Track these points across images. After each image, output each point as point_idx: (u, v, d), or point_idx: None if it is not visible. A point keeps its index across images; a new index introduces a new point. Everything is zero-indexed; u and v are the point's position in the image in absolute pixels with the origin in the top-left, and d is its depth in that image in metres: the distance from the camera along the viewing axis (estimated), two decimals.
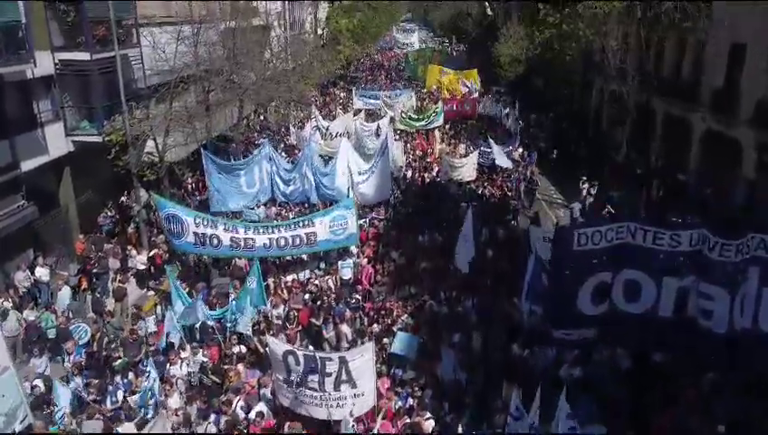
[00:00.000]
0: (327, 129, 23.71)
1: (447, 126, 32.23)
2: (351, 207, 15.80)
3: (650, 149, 26.78)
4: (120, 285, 15.87)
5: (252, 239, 15.00)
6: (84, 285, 16.55)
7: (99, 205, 20.51)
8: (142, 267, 17.45)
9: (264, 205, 19.60)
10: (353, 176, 18.48)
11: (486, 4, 58.45)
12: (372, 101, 34.03)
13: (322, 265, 16.67)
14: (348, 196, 18.19)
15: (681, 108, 25.24)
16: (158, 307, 14.16)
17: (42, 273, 16.51)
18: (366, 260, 16.86)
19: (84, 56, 18.45)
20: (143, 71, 21.70)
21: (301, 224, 15.39)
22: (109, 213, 20.24)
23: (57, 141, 18.48)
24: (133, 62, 21.40)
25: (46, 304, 15.80)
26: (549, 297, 11.27)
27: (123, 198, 21.05)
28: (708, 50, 23.25)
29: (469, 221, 15.01)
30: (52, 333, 14.05)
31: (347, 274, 16.49)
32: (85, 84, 19.14)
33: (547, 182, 27.88)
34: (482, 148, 23.60)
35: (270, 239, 15.11)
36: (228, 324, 13.05)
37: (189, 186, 22.54)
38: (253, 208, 18.96)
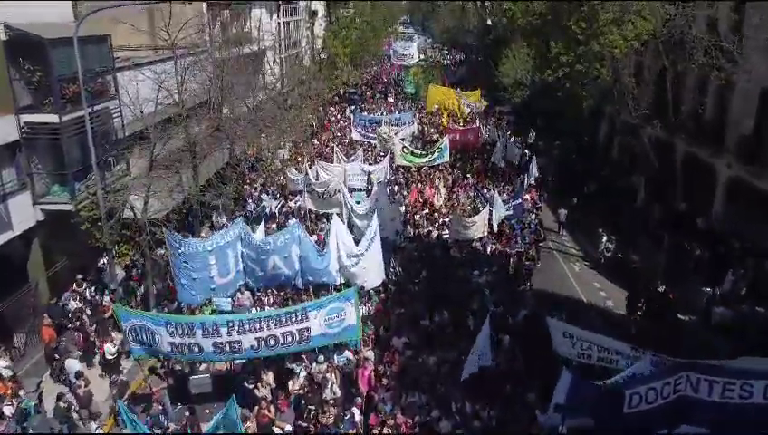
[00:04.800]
0: (322, 193, 21.59)
1: (450, 160, 30.04)
2: (352, 299, 13.88)
3: (672, 196, 25.07)
4: (84, 388, 14.01)
5: (237, 342, 13.16)
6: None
7: (76, 273, 18.63)
8: (110, 358, 15.67)
9: (238, 291, 17.16)
10: (341, 259, 16.42)
11: (487, 17, 56.48)
12: (371, 134, 31.99)
13: (321, 359, 14.84)
14: (337, 279, 16.43)
15: (704, 152, 23.57)
16: None
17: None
18: (368, 352, 15.04)
19: (53, 118, 16.69)
20: (122, 122, 19.92)
21: (292, 318, 13.46)
22: (78, 288, 18.14)
23: (23, 213, 16.71)
24: (113, 114, 19.60)
25: None
26: None
27: (102, 261, 19.18)
28: (736, 94, 21.60)
29: (486, 331, 13.16)
30: None
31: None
32: (55, 148, 17.32)
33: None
34: (490, 202, 21.69)
35: (258, 340, 13.22)
36: None
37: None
38: (225, 298, 16.76)
